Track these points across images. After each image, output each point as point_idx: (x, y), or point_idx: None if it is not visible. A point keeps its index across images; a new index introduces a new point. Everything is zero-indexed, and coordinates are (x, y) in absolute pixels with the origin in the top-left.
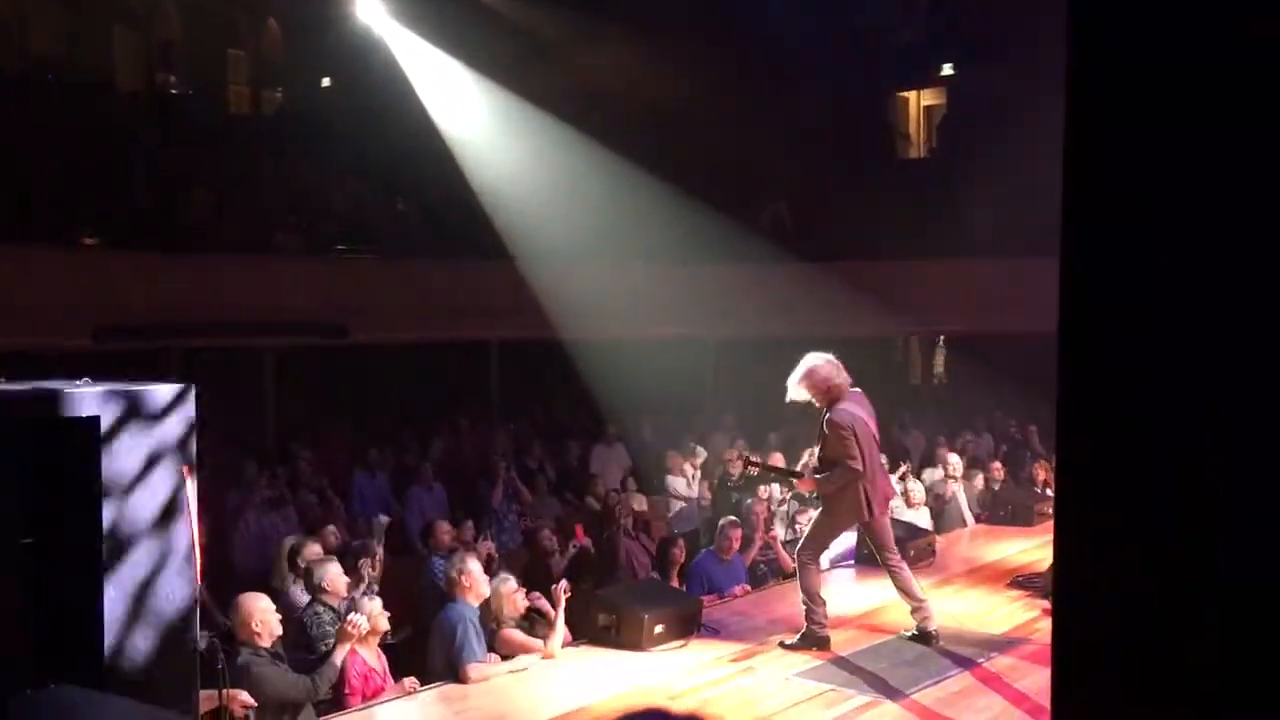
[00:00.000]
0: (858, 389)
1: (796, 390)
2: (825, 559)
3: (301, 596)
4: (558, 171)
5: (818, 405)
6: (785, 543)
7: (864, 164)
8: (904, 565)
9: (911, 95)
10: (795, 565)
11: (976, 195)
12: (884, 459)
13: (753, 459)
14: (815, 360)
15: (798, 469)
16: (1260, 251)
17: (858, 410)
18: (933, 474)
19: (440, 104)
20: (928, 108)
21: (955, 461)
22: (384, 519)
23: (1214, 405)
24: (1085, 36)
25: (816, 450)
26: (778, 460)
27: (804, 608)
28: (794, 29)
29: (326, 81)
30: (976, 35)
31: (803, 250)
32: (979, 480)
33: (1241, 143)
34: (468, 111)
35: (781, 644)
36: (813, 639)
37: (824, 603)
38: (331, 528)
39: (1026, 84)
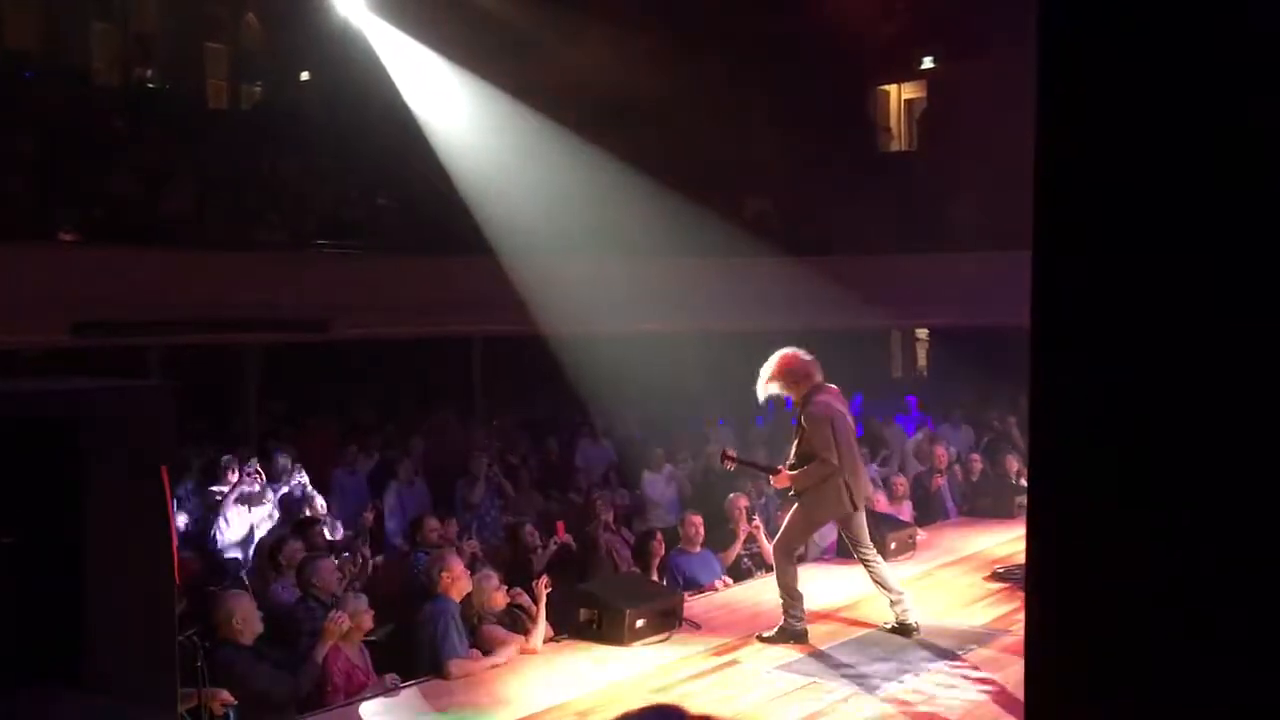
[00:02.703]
0: (833, 385)
1: (766, 387)
2: (807, 552)
3: (282, 593)
4: (540, 165)
5: (791, 400)
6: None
7: (845, 158)
8: (879, 559)
9: (892, 89)
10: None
11: (958, 188)
12: (864, 452)
13: (730, 453)
14: (785, 352)
15: (777, 465)
16: (1232, 242)
17: (835, 404)
18: (917, 466)
19: (420, 98)
20: (909, 101)
21: (940, 454)
22: (367, 516)
23: (1185, 397)
24: (1055, 27)
25: (794, 446)
26: (759, 456)
27: (781, 601)
28: (775, 22)
29: (306, 75)
30: (957, 28)
31: (785, 244)
32: (959, 472)
33: (1216, 135)
34: (448, 105)
35: (759, 637)
36: (790, 633)
37: (801, 597)
38: (320, 525)
39: (1007, 77)
